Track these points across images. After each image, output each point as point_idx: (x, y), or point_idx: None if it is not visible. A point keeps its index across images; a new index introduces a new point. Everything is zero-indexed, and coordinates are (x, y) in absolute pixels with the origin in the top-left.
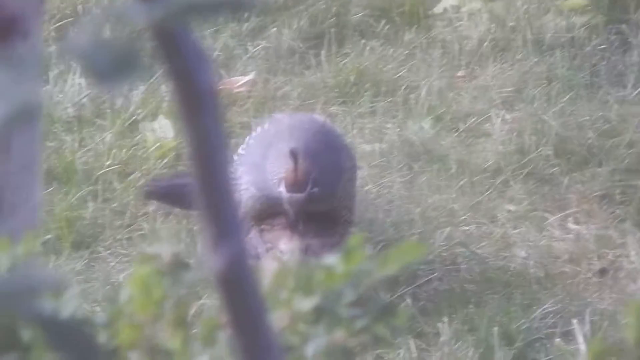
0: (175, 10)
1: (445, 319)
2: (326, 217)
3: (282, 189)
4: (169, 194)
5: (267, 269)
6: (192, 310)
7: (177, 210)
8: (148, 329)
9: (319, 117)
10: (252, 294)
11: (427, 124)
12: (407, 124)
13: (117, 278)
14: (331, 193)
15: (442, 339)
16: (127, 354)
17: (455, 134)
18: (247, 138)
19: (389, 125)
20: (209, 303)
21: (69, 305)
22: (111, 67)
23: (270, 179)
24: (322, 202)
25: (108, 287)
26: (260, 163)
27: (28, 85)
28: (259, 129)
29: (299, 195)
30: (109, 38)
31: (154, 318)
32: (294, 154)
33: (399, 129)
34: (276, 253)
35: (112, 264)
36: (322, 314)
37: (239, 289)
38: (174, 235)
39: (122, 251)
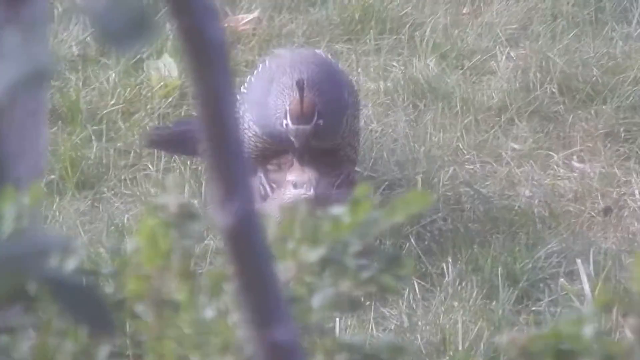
0: None
1: (450, 259)
2: (330, 156)
3: (287, 121)
4: (173, 142)
5: (273, 212)
6: (196, 252)
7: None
8: (155, 281)
9: (321, 52)
10: (260, 250)
11: (432, 61)
12: (412, 62)
13: (122, 219)
14: (335, 127)
15: (446, 279)
16: (134, 305)
17: (460, 72)
18: (249, 77)
19: (393, 63)
20: (213, 244)
21: (75, 258)
22: (124, 28)
23: (274, 114)
24: (326, 136)
25: (112, 227)
26: (263, 100)
27: (39, 47)
28: (259, 66)
29: (305, 127)
30: None
31: (161, 270)
32: (300, 85)
33: (403, 67)
34: (283, 191)
35: (117, 204)
36: (328, 265)
37: (246, 244)
38: (180, 182)
39: (127, 191)
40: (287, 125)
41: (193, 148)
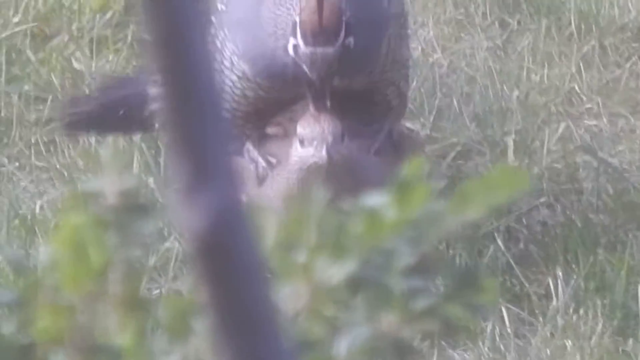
0: None
1: (559, 272)
2: (363, 103)
3: (296, 40)
4: (102, 118)
5: (273, 202)
6: (153, 261)
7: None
8: (83, 314)
9: None
10: (248, 264)
11: None
12: None
13: (32, 207)
14: (372, 51)
15: (553, 303)
16: (49, 353)
17: None
18: None
19: None
20: (179, 248)
21: None
22: None
23: (273, 34)
24: (358, 67)
25: (17, 221)
26: (253, 17)
27: None
28: None
29: (325, 49)
30: None
31: (92, 296)
32: None
33: None
34: (287, 164)
35: (23, 184)
36: (361, 288)
37: (227, 256)
38: (125, 150)
39: (39, 164)
40: (296, 47)
41: (137, 123)
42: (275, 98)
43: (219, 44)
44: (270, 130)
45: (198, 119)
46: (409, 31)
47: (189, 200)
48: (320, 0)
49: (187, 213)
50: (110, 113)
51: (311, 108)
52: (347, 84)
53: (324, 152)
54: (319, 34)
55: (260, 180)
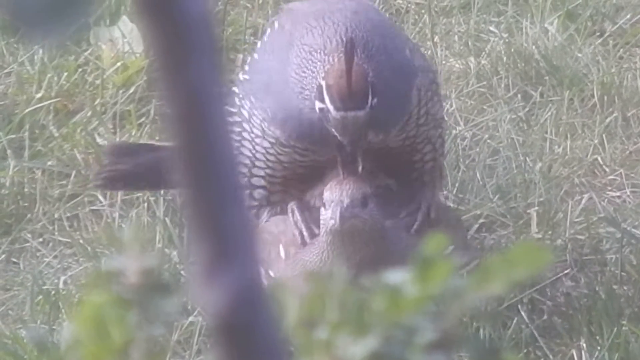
0: None
1: (583, 344)
2: (401, 164)
3: (325, 104)
4: (138, 176)
5: (299, 278)
6: (176, 335)
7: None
8: None
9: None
10: (269, 343)
11: (552, 24)
12: (521, 25)
13: (55, 282)
14: (403, 100)
15: None
16: None
17: (599, 41)
18: (252, 54)
19: (491, 28)
20: (202, 322)
21: None
22: (45, 6)
23: (301, 92)
24: (391, 119)
25: (40, 297)
26: (279, 80)
27: None
28: (267, 32)
29: (357, 114)
30: None
31: None
32: (350, 44)
33: (507, 34)
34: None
35: (47, 259)
36: None
37: (248, 335)
38: (148, 225)
39: (63, 239)
40: (324, 111)
41: (169, 180)
42: (311, 160)
43: (246, 114)
44: (313, 201)
45: (218, 198)
46: (440, 89)
47: (209, 279)
48: (349, 66)
49: (208, 292)
50: (144, 171)
51: (340, 172)
52: (382, 139)
53: (337, 215)
54: (348, 98)
55: (303, 244)
